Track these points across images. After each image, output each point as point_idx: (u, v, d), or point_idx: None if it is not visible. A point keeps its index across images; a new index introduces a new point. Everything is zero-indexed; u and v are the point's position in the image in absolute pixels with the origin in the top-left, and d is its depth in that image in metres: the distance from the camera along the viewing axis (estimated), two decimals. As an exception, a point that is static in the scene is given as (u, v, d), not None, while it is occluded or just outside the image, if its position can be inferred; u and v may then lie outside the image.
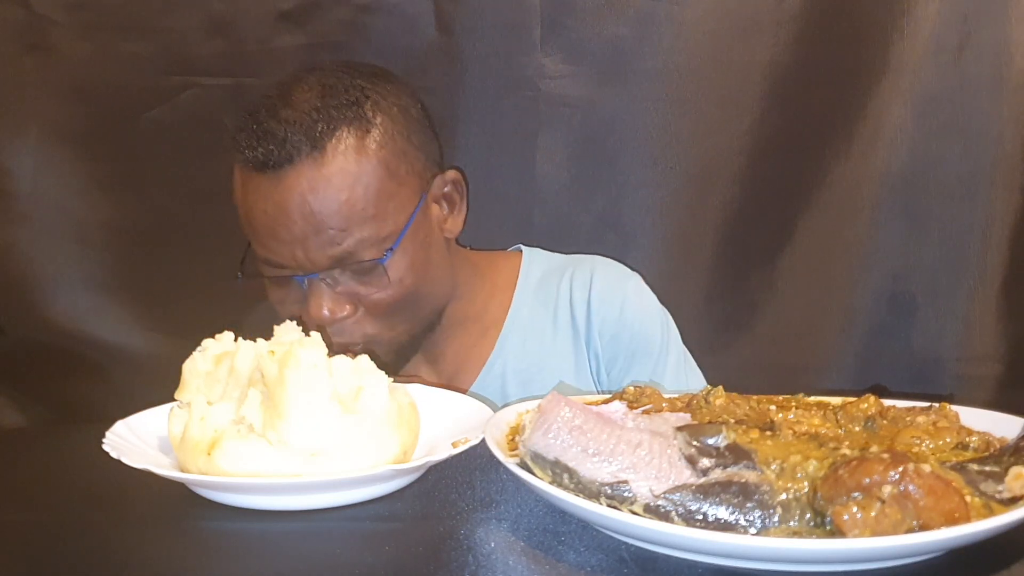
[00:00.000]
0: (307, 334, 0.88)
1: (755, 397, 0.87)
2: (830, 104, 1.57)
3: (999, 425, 0.81)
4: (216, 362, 0.89)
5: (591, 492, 0.72)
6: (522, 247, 1.49)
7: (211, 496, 0.84)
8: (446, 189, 1.34)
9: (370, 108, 1.23)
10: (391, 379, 0.89)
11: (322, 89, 1.23)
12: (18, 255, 1.61)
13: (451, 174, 1.34)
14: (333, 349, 0.89)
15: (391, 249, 1.23)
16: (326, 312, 1.22)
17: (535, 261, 1.46)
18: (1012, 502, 0.67)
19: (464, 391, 1.24)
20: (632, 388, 0.88)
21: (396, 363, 1.32)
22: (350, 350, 1.10)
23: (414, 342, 1.33)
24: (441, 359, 1.41)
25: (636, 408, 0.80)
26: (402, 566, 0.72)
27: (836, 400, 0.87)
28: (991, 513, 0.66)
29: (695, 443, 0.73)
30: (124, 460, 0.83)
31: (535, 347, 1.39)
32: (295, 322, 0.92)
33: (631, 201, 1.61)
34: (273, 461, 0.81)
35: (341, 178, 1.19)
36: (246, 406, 0.84)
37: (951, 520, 0.64)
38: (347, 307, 1.23)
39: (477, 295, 1.41)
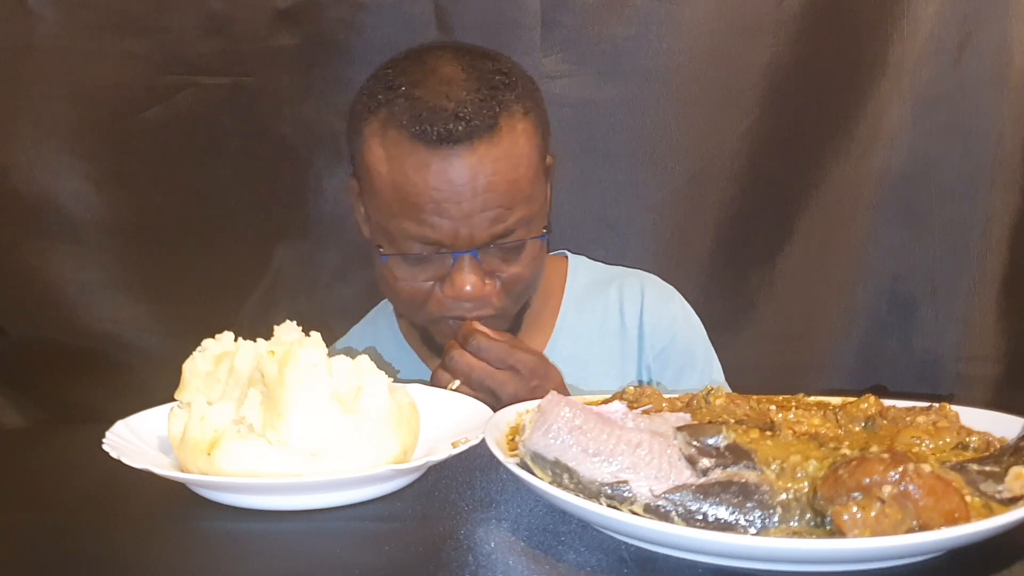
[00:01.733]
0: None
1: (755, 397, 0.86)
2: (830, 104, 1.57)
3: (999, 425, 0.81)
4: (216, 362, 0.88)
5: (591, 492, 0.72)
6: (567, 253, 1.50)
7: (211, 496, 0.83)
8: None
9: (523, 90, 1.26)
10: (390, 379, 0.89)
11: (472, 70, 1.23)
12: (17, 255, 1.61)
13: (550, 159, 1.35)
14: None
15: (546, 228, 1.27)
16: (469, 287, 1.23)
17: (581, 268, 1.47)
18: (1012, 502, 0.67)
19: None
20: (632, 388, 0.88)
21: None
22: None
23: (519, 318, 1.35)
24: None
25: (636, 408, 0.80)
26: (402, 566, 0.72)
27: (836, 400, 0.87)
28: (991, 513, 0.66)
29: (695, 443, 0.73)
30: (124, 460, 0.82)
31: (582, 353, 1.40)
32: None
33: (631, 201, 1.62)
34: (273, 461, 0.81)
35: (512, 158, 1.21)
36: (246, 406, 0.84)
37: (951, 520, 0.64)
38: (489, 283, 1.25)
39: (534, 295, 1.41)
